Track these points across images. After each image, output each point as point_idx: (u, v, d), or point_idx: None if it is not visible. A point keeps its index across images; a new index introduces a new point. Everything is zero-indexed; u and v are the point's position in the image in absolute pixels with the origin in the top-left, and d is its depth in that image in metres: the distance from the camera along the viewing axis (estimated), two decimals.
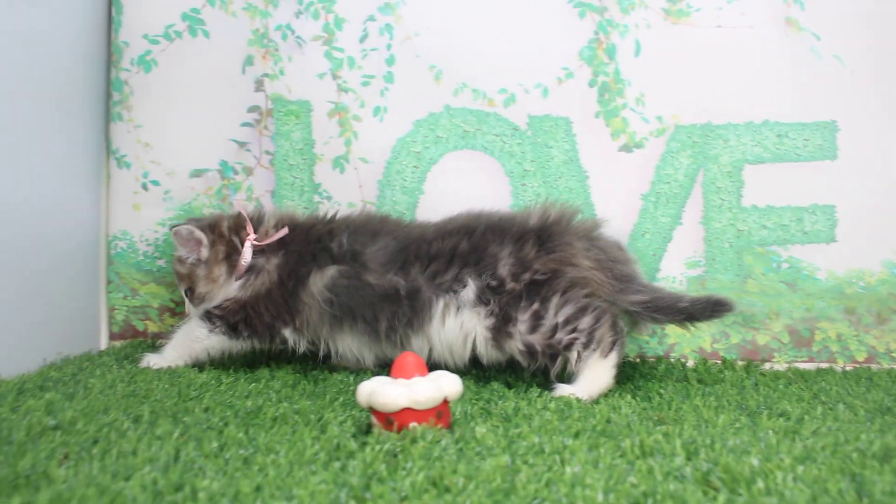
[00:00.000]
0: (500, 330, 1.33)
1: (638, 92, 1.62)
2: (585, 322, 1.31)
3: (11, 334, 1.36)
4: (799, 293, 1.60)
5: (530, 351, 1.32)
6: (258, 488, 0.76)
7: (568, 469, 0.83)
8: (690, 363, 1.58)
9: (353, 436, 0.95)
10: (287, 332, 1.42)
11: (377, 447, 0.88)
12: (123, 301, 1.69)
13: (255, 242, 1.45)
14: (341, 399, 1.19)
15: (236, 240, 1.47)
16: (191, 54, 1.67)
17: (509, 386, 1.33)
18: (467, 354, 1.38)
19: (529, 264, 1.34)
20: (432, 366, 1.35)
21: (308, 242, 1.45)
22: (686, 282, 1.62)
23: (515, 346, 1.33)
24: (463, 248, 1.37)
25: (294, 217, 1.52)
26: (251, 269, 1.45)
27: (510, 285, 1.33)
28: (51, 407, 1.07)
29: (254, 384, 1.30)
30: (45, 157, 1.48)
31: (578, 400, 1.21)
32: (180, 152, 1.68)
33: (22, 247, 1.39)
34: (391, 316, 1.37)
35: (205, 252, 1.47)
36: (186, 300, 1.51)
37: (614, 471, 0.83)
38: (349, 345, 1.42)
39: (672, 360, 1.61)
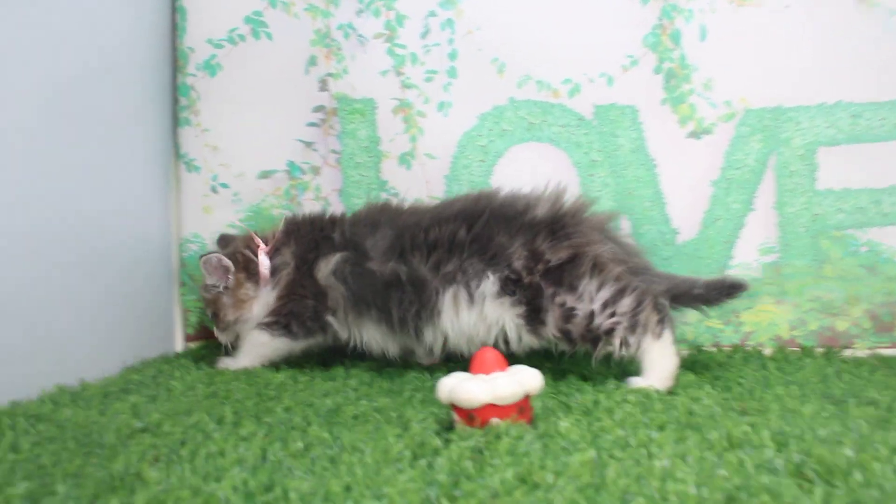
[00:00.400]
0: (533, 318, 1.30)
1: (705, 77, 1.59)
2: (626, 304, 1.26)
3: (93, 338, 1.39)
4: (879, 277, 1.56)
5: (567, 337, 1.29)
6: (348, 488, 0.76)
7: (657, 463, 0.81)
8: (768, 351, 1.55)
9: (437, 433, 0.95)
10: (330, 318, 1.44)
11: (462, 444, 0.88)
12: (197, 303, 1.71)
13: (265, 247, 1.49)
14: (419, 396, 1.19)
15: (248, 253, 1.49)
16: (255, 57, 1.69)
17: (585, 378, 1.32)
18: (491, 343, 1.34)
19: (542, 255, 1.30)
20: (447, 355, 1.43)
21: (312, 231, 1.50)
22: (761, 268, 1.58)
23: (551, 332, 1.30)
24: (461, 237, 1.34)
25: (296, 215, 1.56)
26: (275, 271, 1.48)
27: (528, 279, 1.30)
28: (136, 409, 1.10)
29: (330, 382, 1.31)
30: (117, 163, 1.51)
31: (658, 391, 1.19)
32: (248, 154, 1.70)
33: (98, 252, 1.42)
34: (399, 304, 1.36)
35: (232, 279, 1.49)
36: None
37: (704, 464, 0.81)
38: (372, 335, 1.43)
39: (748, 348, 1.58)
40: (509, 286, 1.31)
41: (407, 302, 1.36)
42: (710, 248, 1.60)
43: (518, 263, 1.30)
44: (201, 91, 1.70)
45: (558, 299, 1.28)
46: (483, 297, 1.32)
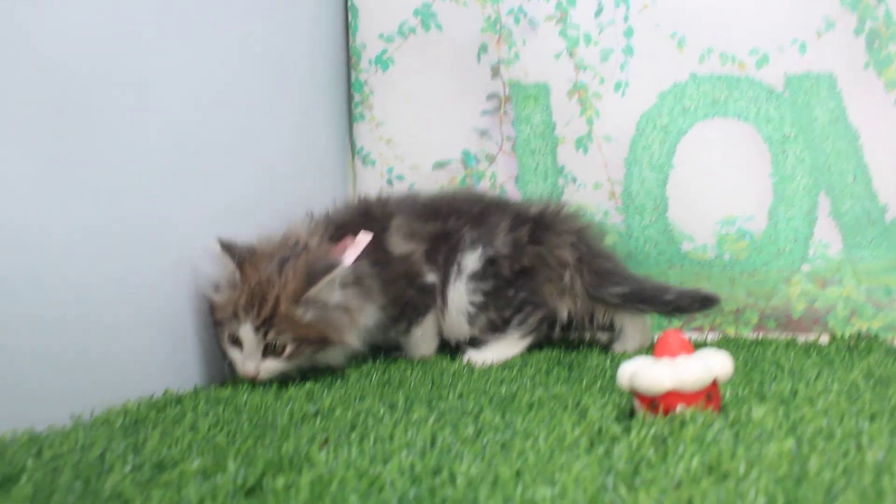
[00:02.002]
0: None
1: None
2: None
3: None
4: None
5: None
6: (518, 473, 0.72)
7: (869, 455, 0.72)
8: None
9: (616, 419, 0.89)
10: (430, 277, 1.40)
11: (643, 431, 0.82)
12: None
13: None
14: (598, 384, 1.13)
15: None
16: (426, 48, 1.68)
17: (780, 367, 1.21)
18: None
19: (521, 252, 1.41)
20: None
21: (355, 225, 1.37)
22: None
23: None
24: (475, 211, 1.44)
25: (315, 220, 1.40)
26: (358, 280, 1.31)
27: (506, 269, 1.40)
28: (311, 394, 1.11)
29: (506, 371, 1.27)
30: (297, 161, 1.55)
31: (866, 380, 1.07)
32: (422, 145, 1.70)
33: None
34: (446, 258, 1.40)
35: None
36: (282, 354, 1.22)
37: None
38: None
39: None
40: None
41: (446, 252, 1.40)
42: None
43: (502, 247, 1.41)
44: (374, 86, 1.71)
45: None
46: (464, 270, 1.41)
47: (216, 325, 1.25)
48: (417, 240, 1.40)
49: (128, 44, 1.12)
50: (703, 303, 1.41)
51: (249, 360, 1.20)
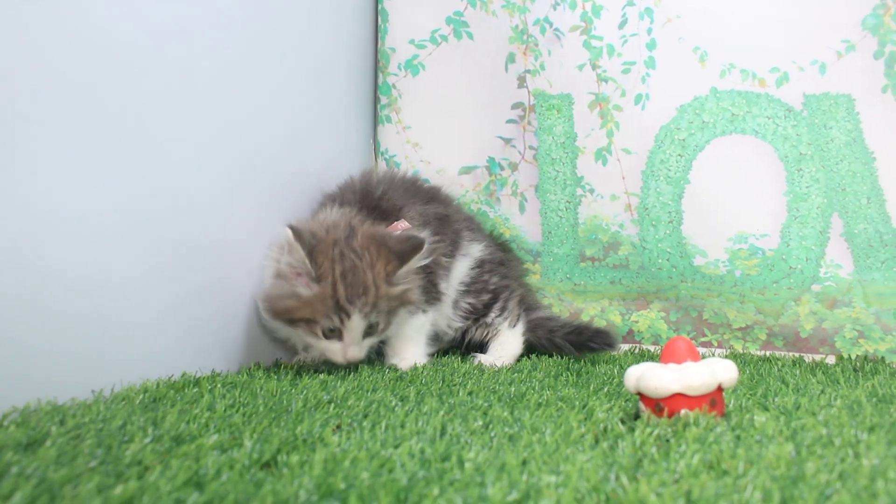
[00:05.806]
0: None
1: None
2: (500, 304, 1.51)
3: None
4: None
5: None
6: (524, 462, 0.75)
7: (865, 462, 0.74)
8: None
9: (621, 420, 0.92)
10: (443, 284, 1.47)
11: (647, 430, 0.84)
12: None
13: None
14: (606, 389, 1.15)
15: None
16: (456, 56, 1.72)
17: (786, 382, 1.23)
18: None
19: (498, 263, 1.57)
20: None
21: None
22: None
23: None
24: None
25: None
26: None
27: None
28: (325, 384, 1.14)
29: (516, 374, 1.30)
30: (322, 161, 1.59)
31: (869, 398, 1.09)
32: (448, 151, 1.73)
33: None
34: (452, 242, 1.49)
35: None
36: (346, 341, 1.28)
37: None
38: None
39: None
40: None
41: (452, 235, 1.49)
42: None
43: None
44: (403, 90, 1.74)
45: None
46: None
47: (294, 322, 1.27)
48: (427, 224, 1.45)
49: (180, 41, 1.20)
50: (598, 338, 1.47)
51: (353, 346, 1.28)
